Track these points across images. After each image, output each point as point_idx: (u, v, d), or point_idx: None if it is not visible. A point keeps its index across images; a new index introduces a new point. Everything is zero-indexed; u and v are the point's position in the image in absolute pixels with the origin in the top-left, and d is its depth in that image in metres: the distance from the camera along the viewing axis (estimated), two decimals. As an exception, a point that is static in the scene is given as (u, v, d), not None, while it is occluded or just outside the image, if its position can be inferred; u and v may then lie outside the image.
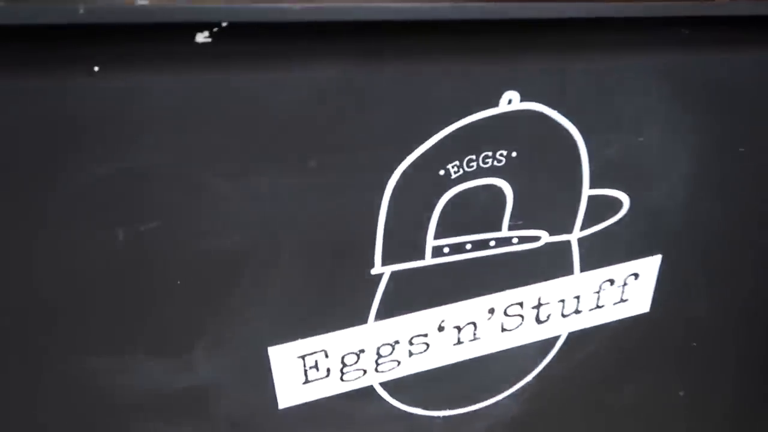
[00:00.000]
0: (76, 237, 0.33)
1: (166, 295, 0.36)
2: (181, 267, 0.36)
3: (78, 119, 0.31)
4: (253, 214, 0.36)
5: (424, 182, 0.39)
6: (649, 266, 0.49)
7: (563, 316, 0.48)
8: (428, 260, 0.41)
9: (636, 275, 0.49)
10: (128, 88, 0.31)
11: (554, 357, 0.49)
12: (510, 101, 0.38)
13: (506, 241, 0.43)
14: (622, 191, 0.45)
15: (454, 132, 0.38)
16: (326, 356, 0.42)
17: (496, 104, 0.38)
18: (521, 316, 0.46)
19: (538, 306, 0.47)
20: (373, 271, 0.41)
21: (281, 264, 0.38)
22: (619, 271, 0.48)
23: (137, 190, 0.33)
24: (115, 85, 0.31)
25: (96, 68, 0.30)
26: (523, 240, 0.43)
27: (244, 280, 0.38)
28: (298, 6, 0.26)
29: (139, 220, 0.34)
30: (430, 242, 0.41)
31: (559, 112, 0.40)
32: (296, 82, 0.33)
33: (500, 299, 0.45)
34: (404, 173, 0.38)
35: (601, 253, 0.46)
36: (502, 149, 0.40)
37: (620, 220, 0.45)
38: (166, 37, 0.30)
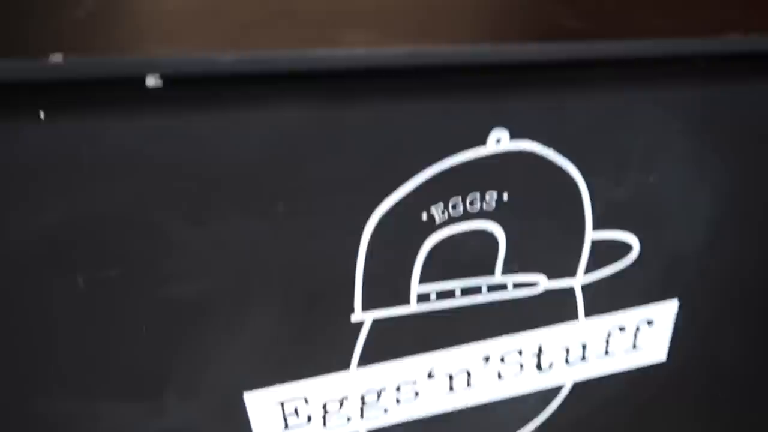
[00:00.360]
0: (34, 285, 0.32)
1: (132, 342, 0.35)
2: (146, 314, 0.34)
3: (29, 165, 0.30)
4: (219, 261, 0.34)
5: (406, 227, 0.36)
6: (665, 312, 0.45)
7: (567, 363, 0.44)
8: (413, 306, 0.39)
9: (650, 322, 0.45)
10: (79, 134, 0.29)
11: (559, 407, 0.46)
12: (499, 140, 0.35)
13: (500, 287, 0.40)
14: (632, 233, 0.41)
15: (437, 174, 0.35)
16: (306, 402, 0.40)
17: (483, 143, 0.35)
18: (520, 363, 0.43)
19: (539, 353, 0.43)
20: (354, 318, 0.38)
21: (252, 311, 0.36)
22: (630, 317, 0.44)
23: (97, 236, 0.32)
24: (66, 131, 0.29)
25: (42, 115, 0.28)
26: (519, 286, 0.40)
27: (213, 327, 0.36)
28: (229, 57, 0.24)
29: (99, 267, 0.33)
30: (415, 288, 0.38)
31: (556, 150, 0.36)
32: (258, 123, 0.31)
33: (496, 346, 0.42)
34: (383, 218, 0.35)
35: (608, 298, 0.43)
36: (492, 191, 0.37)
37: (630, 263, 0.41)
38: (114, 82, 0.28)
